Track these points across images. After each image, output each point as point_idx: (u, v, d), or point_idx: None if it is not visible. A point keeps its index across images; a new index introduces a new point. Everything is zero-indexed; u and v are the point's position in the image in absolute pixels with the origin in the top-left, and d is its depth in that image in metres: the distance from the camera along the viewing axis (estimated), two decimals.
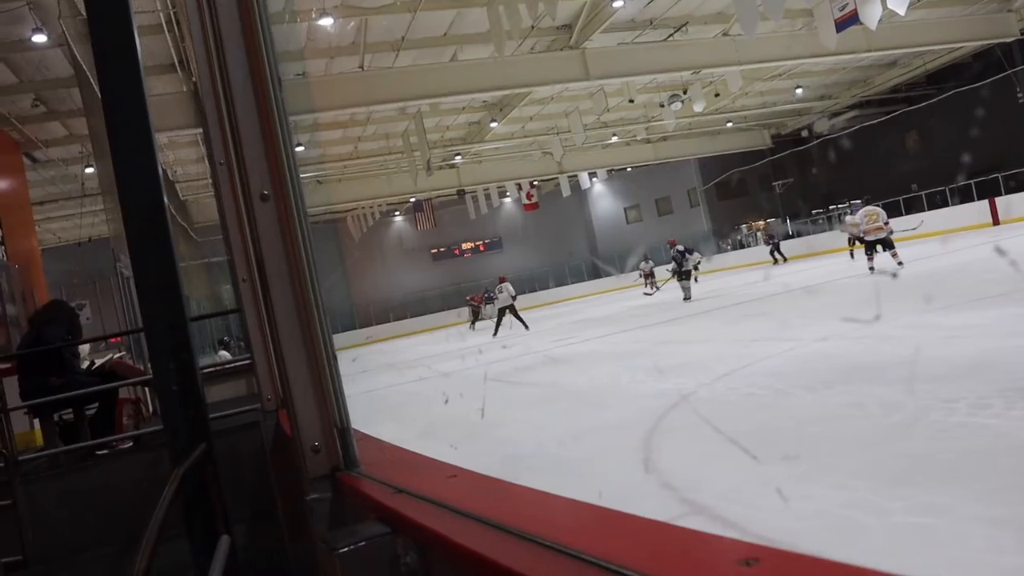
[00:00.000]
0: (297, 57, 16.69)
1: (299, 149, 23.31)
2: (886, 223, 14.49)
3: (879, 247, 14.61)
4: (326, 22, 15.12)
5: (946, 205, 27.21)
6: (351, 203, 33.08)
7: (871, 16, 16.89)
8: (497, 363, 12.59)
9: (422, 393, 11.22)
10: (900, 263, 14.40)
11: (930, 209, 27.28)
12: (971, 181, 26.13)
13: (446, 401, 8.87)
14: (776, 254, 28.12)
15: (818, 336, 8.11)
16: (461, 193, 33.46)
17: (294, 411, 1.48)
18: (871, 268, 14.64)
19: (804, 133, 37.23)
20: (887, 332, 7.76)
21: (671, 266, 19.35)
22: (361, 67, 17.68)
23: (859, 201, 24.26)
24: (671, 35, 19.87)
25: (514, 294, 19.85)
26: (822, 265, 20.70)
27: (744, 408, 5.61)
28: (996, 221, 23.50)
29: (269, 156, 1.55)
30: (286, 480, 1.77)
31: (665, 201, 42.06)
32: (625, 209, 43.68)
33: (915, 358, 6.08)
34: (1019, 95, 26.23)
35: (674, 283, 19.03)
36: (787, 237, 34.65)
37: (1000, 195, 24.57)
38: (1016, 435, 3.74)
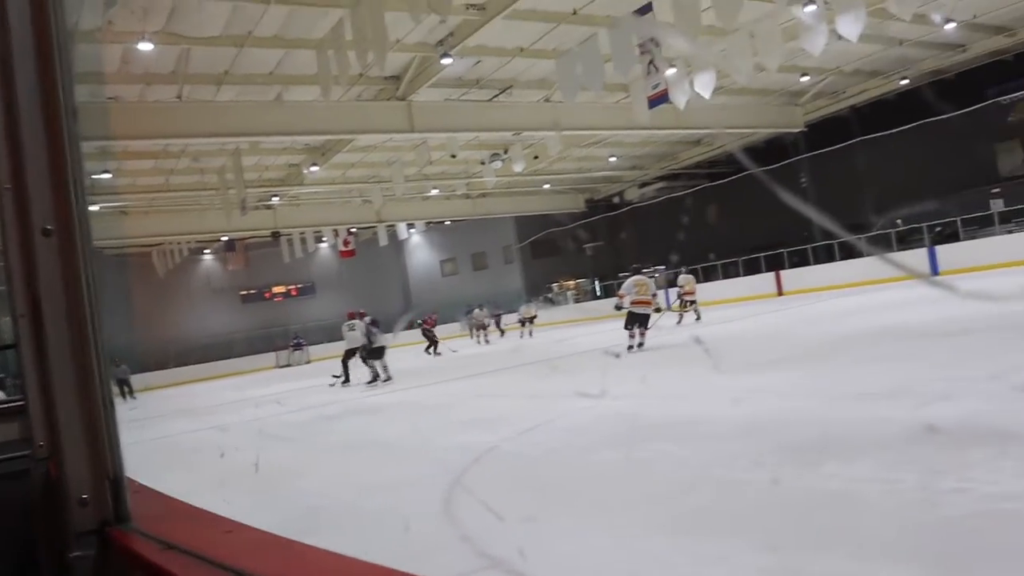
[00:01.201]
0: (107, 80, 15.80)
1: (106, 176, 21.92)
2: (654, 295, 13.92)
3: (637, 324, 13.35)
4: (145, 47, 14.44)
5: (738, 275, 29.38)
6: (158, 237, 31.38)
7: (680, 97, 18.12)
8: (301, 412, 12.23)
9: (217, 441, 10.68)
10: (640, 344, 13.30)
11: (725, 278, 29.42)
12: (760, 255, 28.50)
13: (222, 455, 8.43)
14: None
15: (617, 395, 8.45)
16: (276, 235, 32.53)
17: (62, 459, 1.37)
18: (631, 347, 13.23)
19: (616, 199, 39.23)
20: (677, 392, 8.19)
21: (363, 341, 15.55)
22: (179, 97, 16.98)
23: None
24: (496, 96, 20.46)
25: (367, 333, 15.30)
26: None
27: (546, 463, 5.73)
28: (780, 292, 25.65)
29: (56, 187, 1.45)
30: (52, 535, 1.63)
31: (481, 256, 42.76)
32: (441, 262, 44.02)
33: (701, 417, 6.45)
34: (802, 180, 28.84)
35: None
36: (595, 297, 36.19)
37: (784, 268, 26.98)
38: (786, 491, 4.02)
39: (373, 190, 28.85)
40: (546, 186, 35.18)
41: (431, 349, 23.88)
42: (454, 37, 16.07)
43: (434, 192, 31.98)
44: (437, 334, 24.36)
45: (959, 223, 23.78)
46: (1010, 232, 21.52)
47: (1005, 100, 25.13)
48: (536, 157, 26.40)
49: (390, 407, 11.33)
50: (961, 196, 23.87)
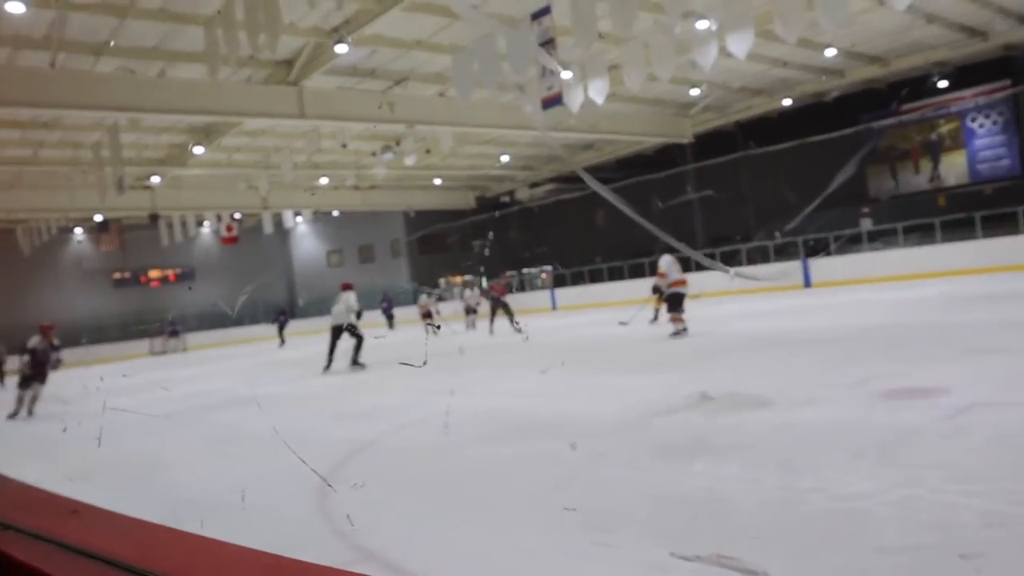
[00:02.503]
0: None
1: None
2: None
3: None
4: (16, 8, 13.56)
5: (622, 278, 30.03)
6: (24, 212, 29.59)
7: (574, 101, 18.38)
8: (177, 401, 11.79)
9: (81, 431, 10.18)
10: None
11: (610, 280, 30.06)
12: (645, 259, 29.22)
13: (98, 443, 8.09)
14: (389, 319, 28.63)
15: (496, 391, 8.51)
16: (154, 217, 31.19)
17: None
18: (678, 332, 12.20)
19: (506, 199, 39.47)
20: (554, 391, 8.30)
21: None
22: (52, 64, 16.05)
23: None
24: (391, 87, 20.24)
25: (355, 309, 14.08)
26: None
27: (422, 458, 5.71)
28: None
29: None
30: None
31: (368, 249, 42.26)
32: (328, 253, 43.28)
33: (577, 415, 6.56)
34: (688, 189, 29.76)
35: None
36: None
37: None
38: (658, 488, 4.14)
39: (260, 176, 28.08)
40: (437, 181, 35.04)
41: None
42: (350, 24, 15.79)
43: (323, 181, 31.36)
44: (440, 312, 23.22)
45: (831, 239, 25.06)
46: (876, 250, 22.76)
47: (876, 126, 26.60)
48: (428, 151, 26.26)
49: (269, 399, 11.07)
50: (834, 214, 25.16)
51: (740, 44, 16.33)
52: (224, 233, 35.24)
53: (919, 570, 2.80)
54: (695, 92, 25.19)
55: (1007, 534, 2.88)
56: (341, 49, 16.22)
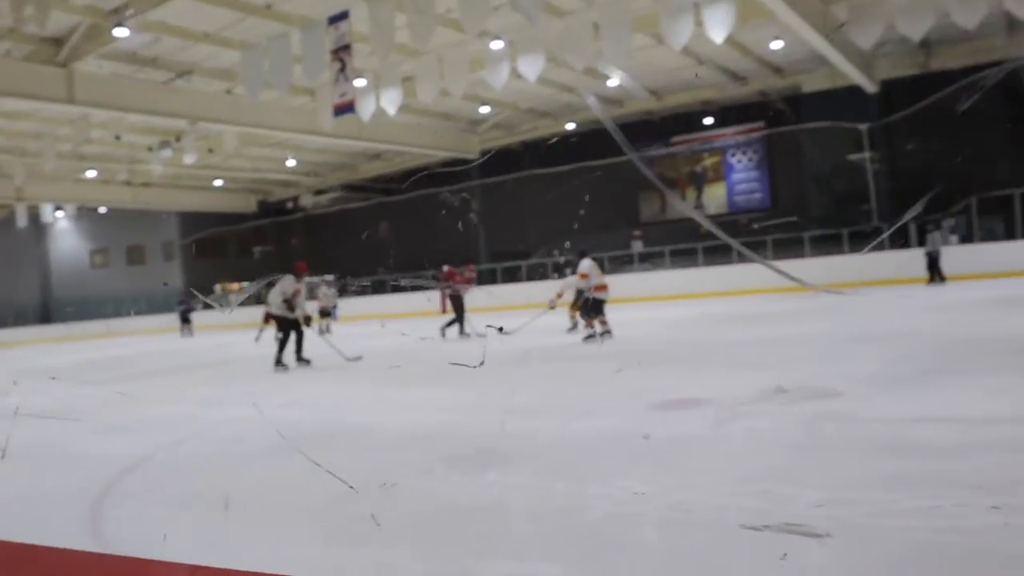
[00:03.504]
0: None
1: None
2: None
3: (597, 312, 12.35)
4: None
5: (401, 291, 30.08)
6: None
7: (366, 109, 18.29)
8: None
9: None
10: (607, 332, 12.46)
11: (394, 292, 30.00)
12: (429, 272, 29.46)
13: None
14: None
15: (282, 402, 8.27)
16: None
17: None
18: (591, 335, 12.35)
19: (290, 204, 38.42)
20: (343, 403, 8.21)
21: None
22: None
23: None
24: (173, 79, 19.18)
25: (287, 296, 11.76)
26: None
27: (204, 473, 5.45)
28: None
29: None
30: None
31: (138, 250, 39.63)
32: (91, 252, 40.12)
33: (367, 427, 6.53)
34: (473, 205, 30.39)
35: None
36: (260, 302, 35.07)
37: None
38: (450, 498, 4.19)
39: (15, 163, 25.55)
40: (218, 182, 33.50)
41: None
42: (132, 8, 14.79)
43: (90, 174, 29.06)
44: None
45: (606, 259, 26.50)
46: (647, 271, 24.32)
47: (649, 155, 28.46)
48: (211, 150, 25.12)
49: (24, 411, 10.07)
50: (608, 235, 26.71)
51: (531, 67, 16.97)
52: None
53: (697, 567, 3.04)
54: (485, 110, 25.83)
55: (768, 532, 3.19)
56: (120, 32, 15.15)
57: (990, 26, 19.26)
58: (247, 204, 37.85)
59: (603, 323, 12.19)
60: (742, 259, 22.40)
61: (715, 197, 29.70)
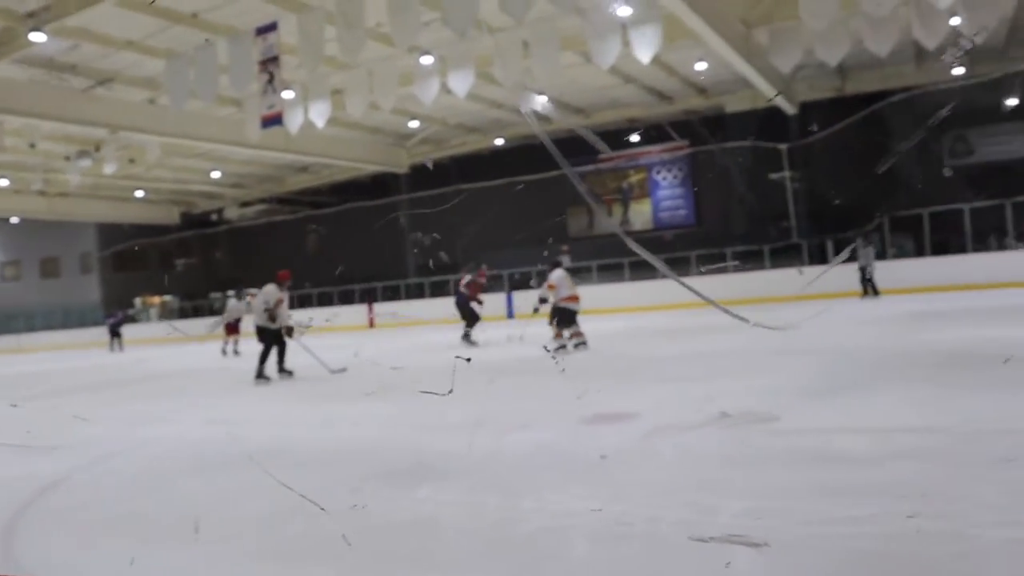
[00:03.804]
0: None
1: None
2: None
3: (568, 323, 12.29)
4: None
5: (332, 304, 29.81)
6: None
7: (294, 121, 18.11)
8: None
9: None
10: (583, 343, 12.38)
11: (320, 306, 29.65)
12: (355, 286, 29.23)
13: None
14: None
15: (205, 420, 8.10)
16: None
17: None
18: (563, 347, 12.20)
19: (214, 217, 37.66)
20: (269, 419, 8.08)
21: None
22: None
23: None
24: (93, 87, 18.65)
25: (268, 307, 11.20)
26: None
27: (125, 493, 5.30)
28: (372, 324, 26.51)
29: None
30: None
31: (52, 262, 38.30)
32: (2, 264, 38.58)
33: (295, 444, 6.44)
34: (401, 218, 30.26)
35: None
36: (184, 316, 34.38)
37: (376, 301, 28.06)
38: (382, 515, 4.18)
39: None
40: (139, 193, 32.60)
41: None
42: (51, 12, 14.34)
43: (2, 183, 27.98)
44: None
45: (533, 273, 26.71)
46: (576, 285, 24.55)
47: (579, 171, 28.76)
48: (132, 161, 24.47)
49: None
50: (537, 250, 26.85)
51: (460, 83, 17.04)
52: None
53: None
54: (414, 124, 25.80)
55: (703, 542, 3.27)
56: (37, 37, 14.67)
57: (901, 54, 20.31)
58: (170, 216, 36.95)
59: (577, 334, 12.27)
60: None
61: (641, 213, 30.22)
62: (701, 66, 20.69)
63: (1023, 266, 16.47)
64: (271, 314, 11.10)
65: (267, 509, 4.44)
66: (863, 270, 18.64)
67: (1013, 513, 3.29)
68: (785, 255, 22.84)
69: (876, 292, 18.52)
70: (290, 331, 11.24)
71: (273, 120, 17.25)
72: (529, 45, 16.06)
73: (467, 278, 15.02)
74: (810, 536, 3.27)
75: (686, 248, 24.45)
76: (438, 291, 28.73)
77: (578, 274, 25.72)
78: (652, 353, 11.46)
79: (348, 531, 3.87)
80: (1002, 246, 20.28)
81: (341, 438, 6.57)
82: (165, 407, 9.78)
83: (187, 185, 32.45)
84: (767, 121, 24.03)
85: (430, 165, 28.36)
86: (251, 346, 17.11)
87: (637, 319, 18.58)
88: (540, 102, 22.84)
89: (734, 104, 25.38)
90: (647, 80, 23.18)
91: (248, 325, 12.97)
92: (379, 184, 31.59)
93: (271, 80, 15.57)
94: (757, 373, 8.15)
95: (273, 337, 11.15)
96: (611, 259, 24.95)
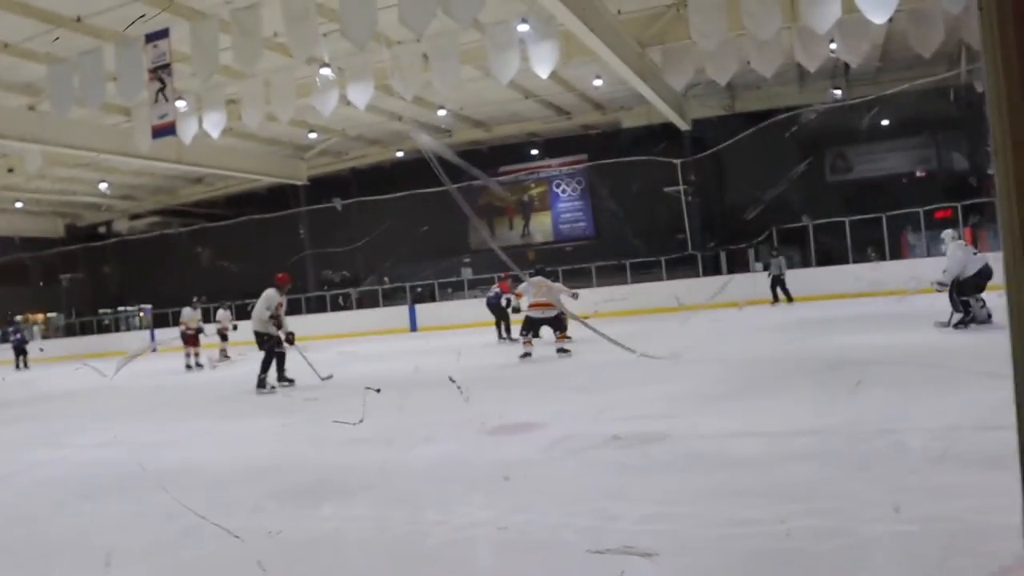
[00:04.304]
0: None
1: None
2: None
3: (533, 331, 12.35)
4: None
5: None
6: None
7: (187, 131, 17.60)
8: None
9: None
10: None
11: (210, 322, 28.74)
12: (252, 300, 28.43)
13: None
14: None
15: (97, 442, 7.77)
16: None
17: None
18: (527, 354, 12.10)
19: (102, 229, 36.18)
20: (164, 439, 7.77)
21: None
22: None
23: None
24: None
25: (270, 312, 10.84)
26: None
27: (15, 521, 5.04)
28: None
29: None
30: None
31: None
32: None
33: (194, 464, 6.26)
34: (301, 231, 29.80)
35: None
36: (71, 333, 32.93)
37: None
38: (286, 534, 4.10)
39: None
40: (19, 204, 30.95)
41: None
42: None
43: None
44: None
45: (436, 286, 26.76)
46: (475, 297, 24.67)
47: (476, 184, 28.94)
48: (11, 170, 23.31)
49: None
50: (439, 262, 26.95)
51: (360, 95, 16.92)
52: None
53: None
54: (313, 136, 25.44)
55: (604, 554, 3.35)
56: None
57: (784, 76, 21.35)
58: (54, 228, 35.28)
59: (529, 342, 12.27)
60: (568, 286, 23.21)
61: (542, 225, 30.59)
62: (598, 83, 21.10)
63: (893, 276, 17.39)
64: (276, 320, 10.81)
65: (159, 534, 4.31)
66: (775, 279, 19.52)
67: (891, 508, 3.49)
68: (682, 265, 23.52)
69: (790, 298, 19.46)
70: (291, 337, 11.00)
71: (165, 130, 16.65)
72: (429, 58, 16.07)
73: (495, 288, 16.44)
74: (708, 538, 3.40)
75: (586, 260, 24.90)
76: (338, 305, 28.47)
77: (479, 286, 25.83)
78: (551, 363, 11.58)
79: (250, 551, 3.80)
80: (865, 258, 21.57)
81: (238, 456, 6.43)
82: (57, 428, 9.36)
83: (72, 196, 31.01)
84: (662, 136, 24.74)
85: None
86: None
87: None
88: (439, 115, 22.90)
89: (631, 120, 26.02)
90: (546, 95, 23.53)
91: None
92: (277, 196, 30.95)
93: (163, 88, 15.05)
94: (653, 381, 8.32)
95: (274, 343, 10.82)
96: (513, 271, 25.14)
